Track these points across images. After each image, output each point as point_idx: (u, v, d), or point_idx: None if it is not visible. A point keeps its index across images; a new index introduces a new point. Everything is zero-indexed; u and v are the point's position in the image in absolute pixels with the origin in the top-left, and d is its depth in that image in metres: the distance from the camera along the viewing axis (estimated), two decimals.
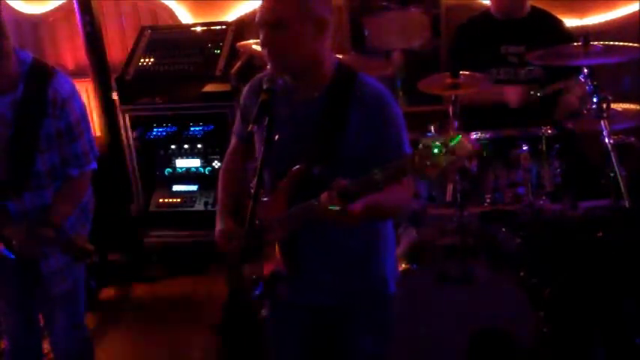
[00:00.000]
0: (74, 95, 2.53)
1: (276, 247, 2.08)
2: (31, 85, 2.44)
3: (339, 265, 2.15)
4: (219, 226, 2.22)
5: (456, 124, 3.03)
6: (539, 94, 3.18)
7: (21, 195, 2.50)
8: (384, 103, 2.04)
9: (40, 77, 2.47)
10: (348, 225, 1.88)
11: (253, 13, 4.52)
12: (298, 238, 2.06)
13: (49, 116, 2.45)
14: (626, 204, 2.80)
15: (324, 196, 1.85)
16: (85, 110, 2.61)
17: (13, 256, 2.48)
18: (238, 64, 4.21)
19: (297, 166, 2.01)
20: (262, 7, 2.01)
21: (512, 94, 3.32)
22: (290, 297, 2.18)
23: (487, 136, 3.10)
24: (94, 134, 2.71)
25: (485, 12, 3.66)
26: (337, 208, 1.81)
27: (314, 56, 2.03)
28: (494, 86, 3.30)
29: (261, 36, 2.02)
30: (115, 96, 4.31)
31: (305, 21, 1.98)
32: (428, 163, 1.64)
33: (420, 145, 1.65)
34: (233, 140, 2.39)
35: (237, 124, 2.35)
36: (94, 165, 2.66)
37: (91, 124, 2.69)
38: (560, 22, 3.56)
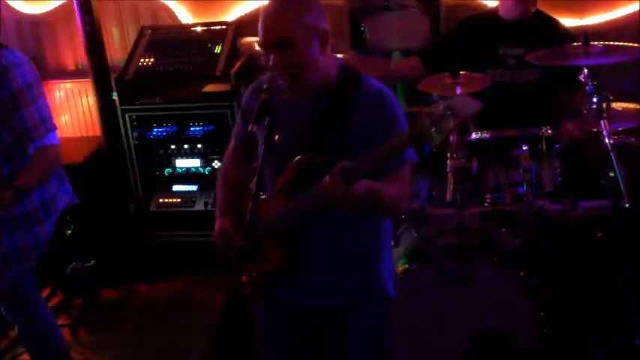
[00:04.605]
0: (19, 65, 2.53)
1: (278, 246, 2.08)
2: None
3: (340, 265, 2.14)
4: (217, 224, 2.23)
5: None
6: None
7: None
8: (386, 104, 2.05)
9: None
10: (351, 206, 1.88)
11: (253, 13, 4.62)
12: (301, 237, 2.07)
13: None
14: (626, 204, 2.79)
15: (326, 179, 1.84)
16: (35, 84, 2.57)
17: None
18: (238, 64, 4.21)
19: (298, 158, 2.02)
20: (263, 27, 1.97)
21: None
22: (286, 298, 2.18)
23: (487, 136, 3.10)
24: (49, 109, 2.65)
25: (490, 11, 3.63)
26: (340, 189, 1.82)
27: (324, 67, 2.04)
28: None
29: (268, 59, 1.99)
30: (115, 96, 4.31)
31: (307, 35, 1.97)
32: (433, 129, 1.69)
33: (424, 110, 1.70)
34: (232, 143, 2.38)
35: (237, 126, 2.34)
36: (52, 139, 2.62)
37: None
38: (560, 25, 3.55)
